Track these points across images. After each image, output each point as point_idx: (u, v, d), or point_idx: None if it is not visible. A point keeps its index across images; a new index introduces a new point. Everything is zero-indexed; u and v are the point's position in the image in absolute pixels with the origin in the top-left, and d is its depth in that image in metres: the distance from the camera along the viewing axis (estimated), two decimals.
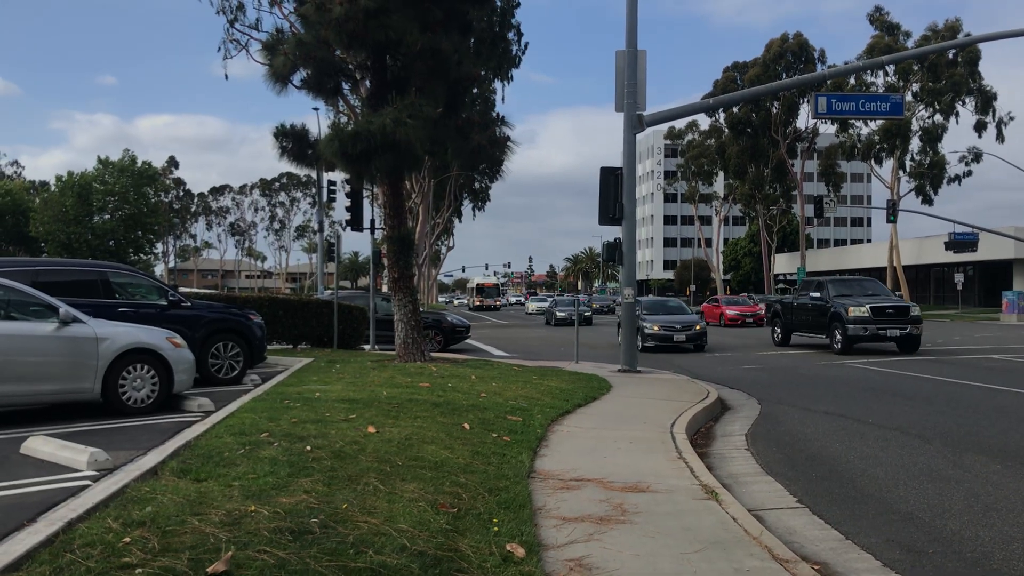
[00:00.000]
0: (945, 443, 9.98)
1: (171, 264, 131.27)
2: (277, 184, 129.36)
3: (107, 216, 62.81)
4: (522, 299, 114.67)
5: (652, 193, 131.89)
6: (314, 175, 42.95)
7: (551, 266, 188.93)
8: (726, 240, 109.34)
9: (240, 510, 5.34)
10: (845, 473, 8.55)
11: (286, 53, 16.54)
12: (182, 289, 16.83)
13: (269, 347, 18.38)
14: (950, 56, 60.87)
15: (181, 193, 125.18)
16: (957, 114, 63.30)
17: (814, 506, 7.22)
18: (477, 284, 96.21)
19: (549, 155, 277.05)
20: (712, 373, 18.49)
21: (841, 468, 8.79)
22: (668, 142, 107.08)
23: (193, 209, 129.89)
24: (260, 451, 7.12)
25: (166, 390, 10.35)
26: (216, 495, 5.71)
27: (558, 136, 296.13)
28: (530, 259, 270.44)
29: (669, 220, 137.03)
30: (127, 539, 4.72)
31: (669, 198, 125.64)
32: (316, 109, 41.62)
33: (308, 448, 7.25)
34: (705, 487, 7.18)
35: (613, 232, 19.22)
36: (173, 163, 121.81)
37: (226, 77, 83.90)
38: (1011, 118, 62.52)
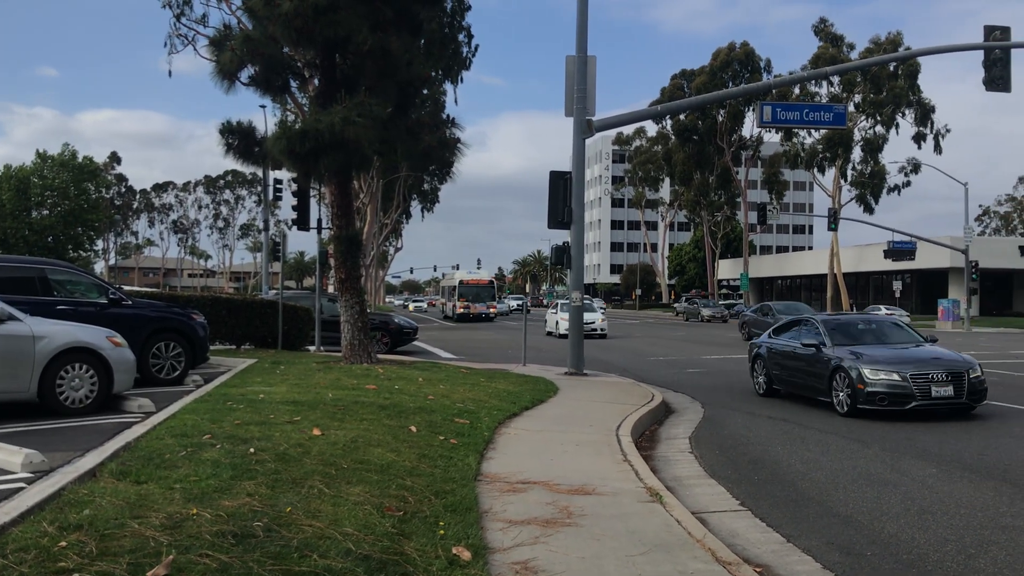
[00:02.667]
0: (883, 447, 10.20)
1: (112, 262, 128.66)
2: (222, 182, 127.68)
3: (45, 212, 61.25)
4: (520, 302, 73.22)
5: (600, 198, 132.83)
6: (260, 173, 42.44)
7: (500, 268, 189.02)
8: (671, 245, 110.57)
9: (181, 513, 5.24)
10: (787, 476, 8.69)
11: (233, 49, 16.31)
12: (123, 287, 16.48)
13: (212, 347, 18.09)
14: (891, 69, 62.30)
15: (123, 189, 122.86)
16: (897, 125, 64.83)
17: (756, 509, 7.32)
18: (460, 282, 59.85)
19: (500, 158, 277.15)
20: (657, 376, 18.66)
21: (783, 471, 8.93)
22: (616, 148, 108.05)
23: (135, 206, 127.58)
24: (202, 453, 7.00)
25: (105, 390, 10.12)
26: (157, 498, 5.60)
27: (509, 139, 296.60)
28: (479, 261, 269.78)
29: (616, 225, 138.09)
30: (63, 543, 4.60)
31: (617, 203, 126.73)
32: (263, 107, 41.18)
33: (252, 450, 7.15)
34: (650, 490, 7.24)
35: (562, 236, 19.33)
36: (115, 159, 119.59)
37: (170, 73, 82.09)
38: (948, 130, 64.23)
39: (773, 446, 10.40)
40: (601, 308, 60.02)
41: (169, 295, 21.55)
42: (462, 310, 57.35)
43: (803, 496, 7.83)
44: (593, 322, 35.75)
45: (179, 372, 13.48)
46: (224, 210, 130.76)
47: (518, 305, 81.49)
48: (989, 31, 20.61)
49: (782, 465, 9.26)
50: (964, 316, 47.49)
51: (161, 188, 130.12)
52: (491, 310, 58.87)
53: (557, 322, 36.07)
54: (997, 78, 20.53)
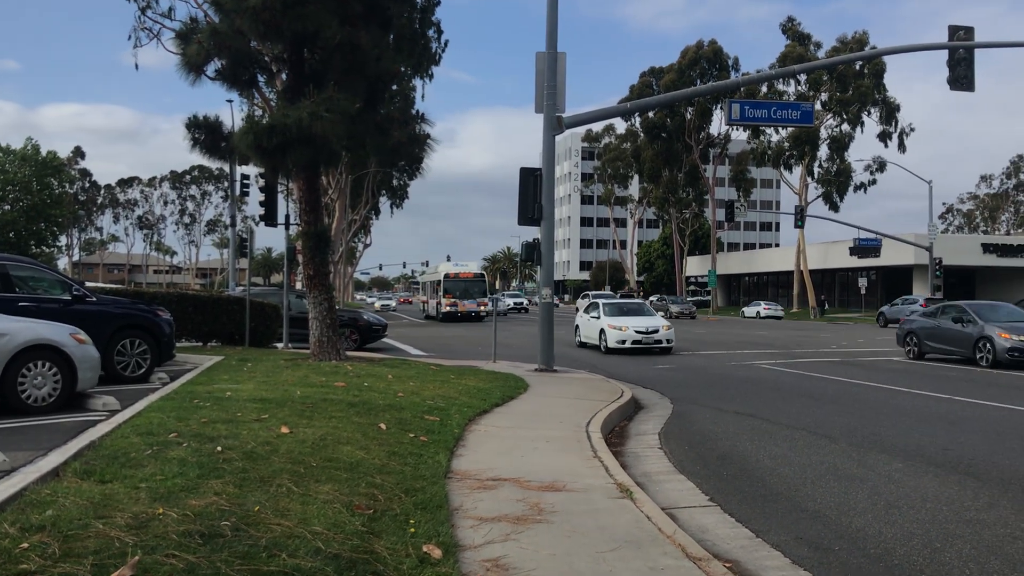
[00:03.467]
0: (850, 442, 10.30)
1: (76, 258, 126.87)
2: (188, 177, 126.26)
3: (7, 207, 60.29)
4: (518, 300, 74.51)
5: (570, 195, 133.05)
6: (227, 168, 41.93)
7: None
8: (640, 242, 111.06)
9: (147, 513, 5.16)
10: (755, 472, 8.74)
11: (200, 42, 16.15)
12: (87, 284, 16.25)
13: (178, 344, 17.89)
14: (858, 68, 62.99)
15: (87, 184, 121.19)
16: (863, 124, 65.58)
17: (725, 504, 7.35)
18: (445, 275, 52.62)
19: (470, 154, 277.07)
20: (626, 372, 18.72)
21: (751, 467, 8.99)
22: (586, 145, 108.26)
23: (100, 201, 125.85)
24: (168, 452, 6.91)
25: (69, 388, 9.96)
26: (122, 497, 5.51)
27: (479, 135, 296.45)
28: (448, 258, 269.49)
29: (586, 222, 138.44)
30: (25, 544, 4.51)
31: (586, 200, 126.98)
32: (230, 101, 40.83)
33: (219, 449, 7.07)
34: (620, 486, 7.25)
35: (532, 232, 19.36)
36: (79, 153, 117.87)
37: (136, 67, 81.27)
38: (912, 129, 65.15)
39: (741, 441, 10.46)
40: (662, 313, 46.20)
41: (134, 292, 21.28)
42: (448, 308, 50.00)
43: (772, 491, 7.88)
44: (655, 330, 25.61)
45: (144, 370, 13.32)
46: (190, 206, 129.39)
47: (515, 304, 71.58)
48: (953, 31, 20.89)
49: (750, 460, 9.32)
50: None
51: (126, 183, 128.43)
52: (482, 308, 50.19)
53: (603, 330, 26.02)
54: (961, 77, 20.81)
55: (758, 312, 63.80)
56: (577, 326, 29.73)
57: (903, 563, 5.78)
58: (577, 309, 52.51)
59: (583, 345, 28.29)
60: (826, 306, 59.86)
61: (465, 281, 51.68)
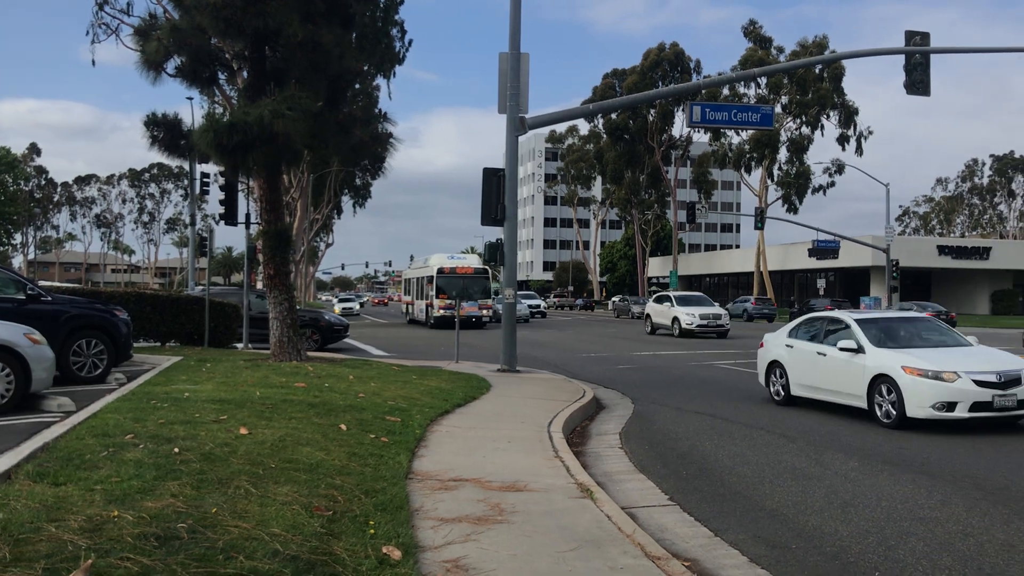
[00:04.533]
0: (808, 442, 10.44)
1: (31, 256, 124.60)
2: (147, 175, 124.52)
3: None
4: (537, 303, 59.42)
5: (533, 195, 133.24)
6: (187, 166, 41.43)
7: None
8: (603, 243, 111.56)
9: (102, 515, 5.09)
10: (714, 471, 8.82)
11: (159, 39, 15.94)
12: (42, 283, 15.99)
13: (136, 345, 17.67)
14: (817, 71, 63.81)
15: (43, 182, 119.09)
16: (822, 127, 66.46)
17: (685, 503, 7.42)
18: (439, 270, 42.24)
19: (433, 154, 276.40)
20: (588, 373, 18.79)
21: (711, 466, 9.07)
22: (549, 145, 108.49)
23: (56, 199, 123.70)
24: (124, 453, 6.81)
25: (23, 389, 9.78)
26: (76, 500, 5.43)
27: (443, 135, 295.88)
28: (411, 258, 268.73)
29: (549, 222, 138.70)
30: None
31: (549, 201, 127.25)
32: (191, 99, 40.15)
33: (176, 450, 6.98)
34: (581, 486, 7.28)
35: (495, 233, 19.32)
36: (35, 150, 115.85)
37: (93, 63, 79.32)
38: (870, 132, 66.14)
39: (701, 441, 10.55)
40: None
41: (91, 291, 20.96)
42: (443, 311, 39.74)
43: (730, 490, 7.95)
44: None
45: (101, 370, 13.12)
46: (149, 204, 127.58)
47: (533, 308, 55.58)
48: (910, 36, 21.23)
49: (710, 460, 9.40)
50: None
51: (83, 181, 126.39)
52: (484, 311, 41.19)
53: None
54: (917, 82, 21.15)
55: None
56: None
57: (858, 560, 5.87)
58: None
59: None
60: (795, 307, 60.61)
61: (464, 278, 41.30)
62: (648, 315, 37.82)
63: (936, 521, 6.83)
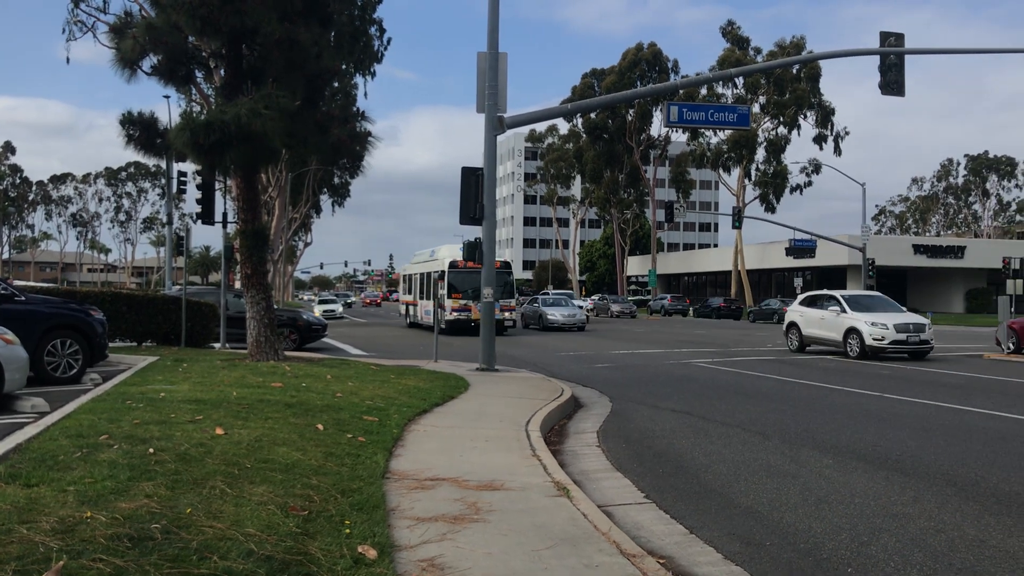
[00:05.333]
0: (783, 439, 10.52)
1: (5, 256, 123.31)
2: (124, 174, 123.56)
3: None
4: (581, 302, 57.62)
5: (513, 194, 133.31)
6: (164, 165, 41.12)
7: None
8: (582, 242, 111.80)
9: (74, 517, 5.05)
10: (690, 468, 8.87)
11: (135, 37, 15.84)
12: (16, 282, 15.85)
13: (112, 345, 17.55)
14: (794, 72, 64.23)
15: (18, 180, 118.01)
16: (799, 127, 66.94)
17: (661, 501, 7.45)
18: (451, 264, 35.61)
19: (413, 153, 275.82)
20: (567, 371, 18.84)
21: (687, 464, 9.12)
22: (529, 144, 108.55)
23: (31, 198, 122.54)
24: (98, 454, 6.77)
25: None
26: (48, 501, 5.38)
27: (422, 134, 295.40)
28: (391, 257, 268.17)
29: (529, 221, 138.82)
30: None
31: (529, 200, 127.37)
32: (167, 97, 40.14)
33: (151, 451, 6.94)
34: (557, 484, 7.30)
35: (474, 232, 19.38)
36: (10, 148, 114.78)
37: (67, 61, 78.71)
38: (847, 132, 66.74)
39: (677, 439, 10.60)
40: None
41: (66, 291, 20.79)
42: (457, 314, 33.95)
43: (706, 488, 8.00)
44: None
45: (76, 370, 13.03)
46: (126, 203, 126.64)
47: (590, 305, 53.36)
48: (885, 37, 21.41)
49: (686, 457, 9.45)
50: None
51: (59, 180, 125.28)
52: (507, 313, 34.56)
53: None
54: (892, 82, 21.34)
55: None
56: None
57: (831, 557, 5.93)
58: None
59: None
60: (754, 306, 61.43)
61: (480, 271, 32.86)
62: (794, 325, 26.10)
63: (908, 517, 6.90)
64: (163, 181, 70.07)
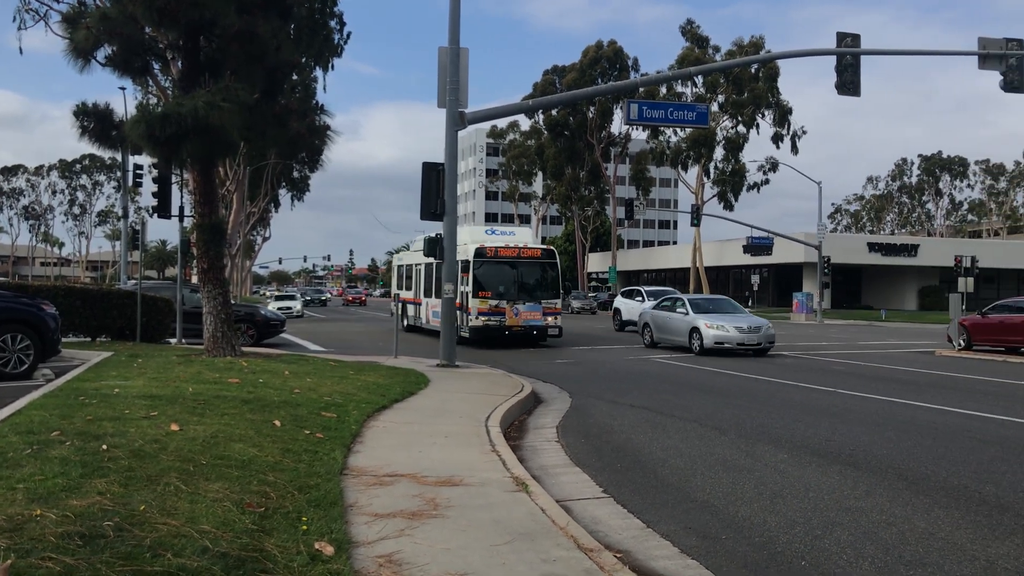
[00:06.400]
0: (739, 434, 10.64)
1: None
2: (79, 166, 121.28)
3: None
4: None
5: (474, 190, 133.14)
6: (119, 158, 40.53)
7: (373, 260, 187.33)
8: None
9: (24, 515, 4.96)
10: (648, 463, 8.94)
11: (89, 27, 15.57)
12: None
13: (65, 340, 17.25)
14: (753, 71, 64.85)
15: None
16: (757, 126, 67.59)
17: (619, 496, 7.51)
18: (477, 253, 25.83)
19: (374, 148, 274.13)
20: (527, 367, 18.87)
21: (644, 459, 9.19)
22: (491, 141, 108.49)
23: None
24: (49, 451, 6.65)
25: None
26: None
27: (383, 129, 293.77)
28: (351, 252, 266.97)
29: (490, 217, 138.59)
30: None
31: (491, 196, 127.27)
32: (123, 88, 39.23)
33: (104, 447, 6.84)
34: (516, 479, 7.32)
35: (436, 227, 19.28)
36: None
37: (20, 51, 77.26)
38: (804, 132, 67.48)
39: (636, 434, 10.68)
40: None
41: (17, 285, 20.40)
42: (486, 318, 25.54)
43: (663, 482, 8.07)
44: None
45: (27, 366, 12.80)
46: (81, 196, 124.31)
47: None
48: (841, 38, 21.72)
49: (644, 452, 9.52)
50: (817, 309, 49.97)
51: (11, 171, 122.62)
52: (550, 319, 26.24)
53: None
54: (848, 83, 21.65)
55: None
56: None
57: (785, 550, 6.01)
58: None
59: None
60: (750, 304, 61.84)
61: (518, 264, 26.28)
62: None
63: (861, 511, 7.02)
64: (119, 174, 68.78)
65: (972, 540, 6.24)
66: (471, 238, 27.09)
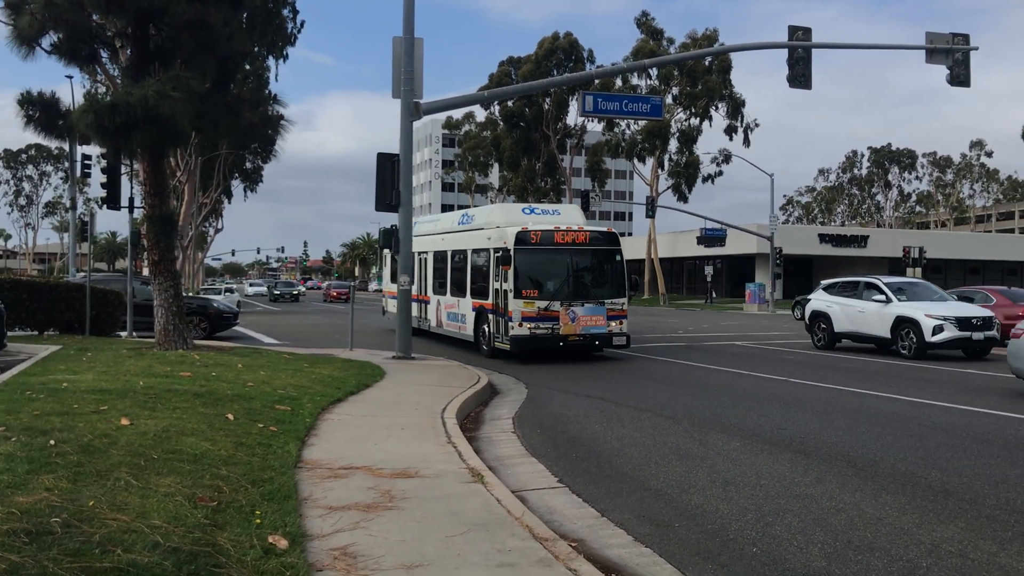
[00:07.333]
0: (693, 423, 10.76)
1: None
2: (24, 156, 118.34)
3: None
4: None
5: (430, 181, 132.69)
6: (67, 148, 39.71)
7: (327, 251, 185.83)
8: None
9: None
10: (603, 453, 9.01)
11: (33, 13, 15.19)
12: None
13: (11, 333, 16.91)
14: (707, 64, 65.31)
15: None
16: (711, 118, 68.04)
17: (574, 485, 7.56)
18: (519, 238, 18.80)
19: (328, 138, 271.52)
20: (483, 359, 18.86)
21: (599, 448, 9.26)
22: (447, 132, 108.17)
23: None
24: None
25: None
26: None
27: (337, 119, 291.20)
28: (305, 244, 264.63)
29: (447, 208, 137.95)
30: None
31: (447, 187, 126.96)
32: (70, 77, 38.31)
33: (52, 442, 6.71)
34: (472, 470, 7.33)
35: (391, 218, 19.15)
36: None
37: None
38: (757, 124, 68.15)
39: (591, 424, 10.75)
40: None
41: None
42: (532, 325, 18.82)
43: (618, 472, 8.14)
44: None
45: None
46: (27, 186, 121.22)
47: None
48: (792, 31, 21.97)
49: (599, 442, 9.59)
50: (769, 299, 50.63)
51: None
52: (615, 324, 19.53)
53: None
54: (799, 76, 21.92)
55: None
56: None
57: (737, 537, 6.10)
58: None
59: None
60: (714, 295, 62.27)
61: (573, 252, 19.85)
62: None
63: (811, 498, 7.14)
64: (67, 164, 67.15)
65: (918, 525, 6.38)
66: (505, 218, 21.30)
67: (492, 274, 19.55)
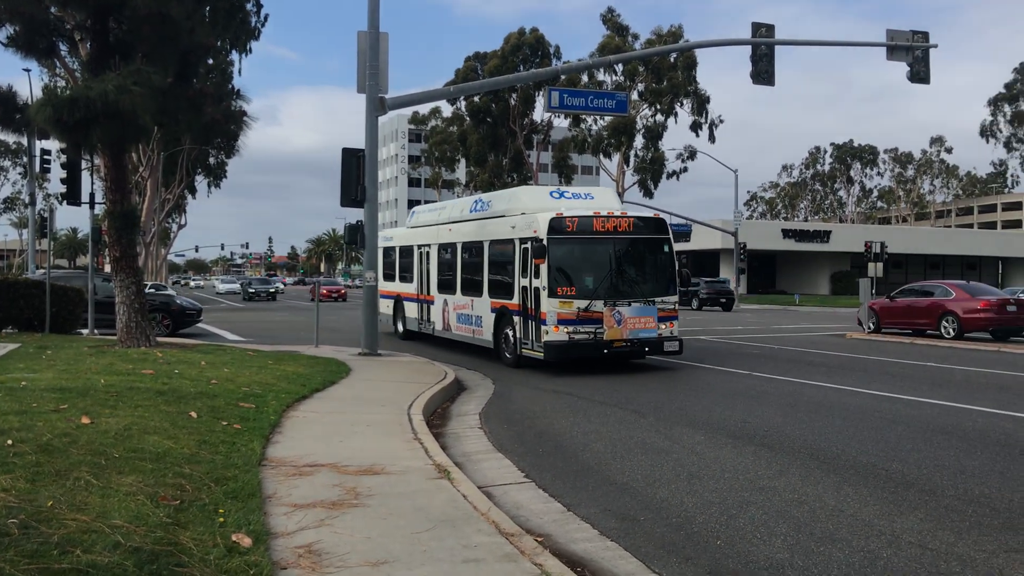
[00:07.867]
0: (658, 417, 10.82)
1: None
2: None
3: None
4: None
5: (396, 177, 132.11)
6: (25, 142, 39.02)
7: (293, 247, 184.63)
8: None
9: None
10: (569, 447, 9.04)
11: None
12: None
13: None
14: (672, 60, 65.66)
15: None
16: (676, 114, 68.43)
17: (540, 480, 7.57)
18: (552, 225, 15.63)
19: (292, 133, 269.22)
20: (450, 355, 18.83)
21: (566, 443, 9.28)
22: (413, 127, 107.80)
23: None
24: None
25: None
26: None
27: (302, 114, 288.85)
28: (270, 240, 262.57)
29: (413, 204, 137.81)
30: None
31: (413, 182, 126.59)
32: (28, 70, 37.72)
33: (9, 442, 6.59)
34: (438, 467, 7.32)
35: (357, 214, 19.07)
36: None
37: None
38: (721, 120, 68.58)
39: (557, 419, 10.78)
40: None
41: None
42: (572, 329, 15.57)
43: (584, 466, 8.17)
44: None
45: None
46: None
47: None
48: (756, 28, 22.14)
49: (565, 437, 9.62)
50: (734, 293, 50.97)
51: None
52: (665, 328, 16.49)
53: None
54: (763, 72, 22.10)
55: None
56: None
57: (701, 530, 6.15)
58: None
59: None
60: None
61: (616, 242, 16.53)
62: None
63: (774, 490, 7.22)
64: (25, 159, 65.89)
65: (879, 516, 6.47)
66: (534, 203, 17.89)
67: (518, 269, 16.73)
